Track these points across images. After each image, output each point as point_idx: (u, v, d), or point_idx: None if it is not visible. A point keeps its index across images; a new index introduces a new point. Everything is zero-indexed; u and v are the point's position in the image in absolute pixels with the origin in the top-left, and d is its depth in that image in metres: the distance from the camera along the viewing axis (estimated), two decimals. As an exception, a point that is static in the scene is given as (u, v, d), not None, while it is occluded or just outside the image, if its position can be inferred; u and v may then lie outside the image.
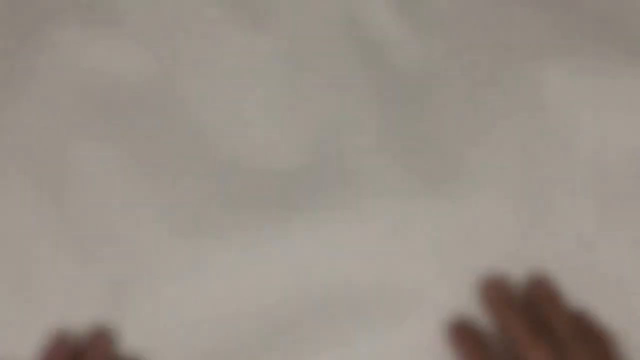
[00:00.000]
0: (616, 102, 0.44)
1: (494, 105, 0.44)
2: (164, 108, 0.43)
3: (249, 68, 0.44)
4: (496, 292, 0.40)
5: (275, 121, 0.43)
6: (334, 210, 0.41)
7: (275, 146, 0.43)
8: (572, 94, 0.45)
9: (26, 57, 0.43)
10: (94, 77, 0.43)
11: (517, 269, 0.41)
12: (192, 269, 0.40)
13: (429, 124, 0.44)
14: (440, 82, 0.45)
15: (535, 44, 0.46)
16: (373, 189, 0.42)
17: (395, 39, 0.45)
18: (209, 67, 0.43)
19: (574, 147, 0.44)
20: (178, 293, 0.40)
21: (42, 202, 0.41)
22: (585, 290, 0.41)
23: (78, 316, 0.40)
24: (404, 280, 0.41)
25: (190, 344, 0.39)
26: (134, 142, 0.42)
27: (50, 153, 0.42)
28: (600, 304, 0.41)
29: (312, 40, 0.44)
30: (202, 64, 0.43)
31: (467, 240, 0.41)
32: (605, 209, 0.43)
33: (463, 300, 0.41)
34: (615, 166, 0.43)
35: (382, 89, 0.44)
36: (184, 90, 0.43)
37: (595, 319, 0.39)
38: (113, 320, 0.40)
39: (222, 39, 0.44)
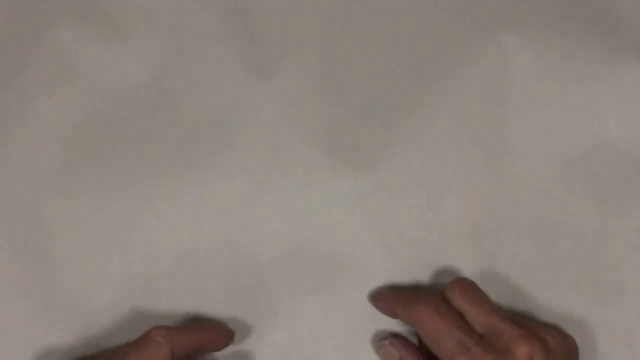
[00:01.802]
0: (588, 87, 0.43)
1: (440, 85, 0.43)
2: (165, 113, 0.43)
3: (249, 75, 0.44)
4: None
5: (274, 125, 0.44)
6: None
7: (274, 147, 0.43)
8: (535, 71, 0.43)
9: (26, 59, 0.43)
10: (94, 81, 0.43)
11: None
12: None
13: (367, 101, 0.43)
14: (381, 55, 0.43)
15: (494, 12, 0.43)
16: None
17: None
18: (211, 76, 0.44)
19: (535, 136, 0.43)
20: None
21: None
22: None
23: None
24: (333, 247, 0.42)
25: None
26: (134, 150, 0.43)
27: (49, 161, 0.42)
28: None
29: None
30: (205, 73, 0.44)
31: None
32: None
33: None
34: (585, 161, 0.43)
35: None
36: (185, 98, 0.43)
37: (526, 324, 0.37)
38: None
39: (223, 43, 0.44)
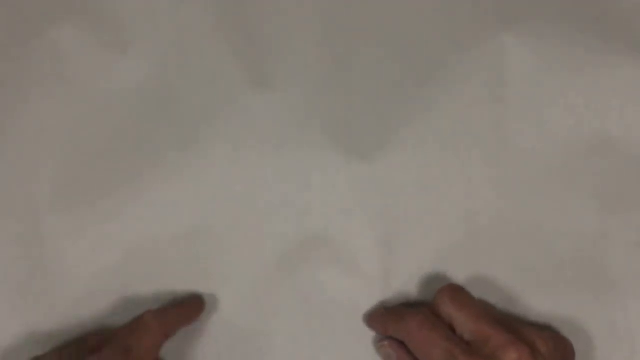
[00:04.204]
0: (589, 80, 0.43)
1: (440, 85, 0.43)
2: (165, 114, 0.43)
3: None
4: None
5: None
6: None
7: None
8: (535, 71, 0.43)
9: (25, 59, 0.43)
10: (94, 81, 0.43)
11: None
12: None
13: (366, 101, 0.43)
14: (380, 54, 0.43)
15: (494, 12, 0.43)
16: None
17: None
18: (211, 77, 0.44)
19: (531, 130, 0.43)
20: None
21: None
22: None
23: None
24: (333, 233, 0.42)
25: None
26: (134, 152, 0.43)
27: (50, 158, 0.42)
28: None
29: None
30: (205, 74, 0.43)
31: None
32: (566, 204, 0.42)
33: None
34: (585, 161, 0.43)
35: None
36: (185, 99, 0.43)
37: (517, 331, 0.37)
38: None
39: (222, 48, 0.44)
